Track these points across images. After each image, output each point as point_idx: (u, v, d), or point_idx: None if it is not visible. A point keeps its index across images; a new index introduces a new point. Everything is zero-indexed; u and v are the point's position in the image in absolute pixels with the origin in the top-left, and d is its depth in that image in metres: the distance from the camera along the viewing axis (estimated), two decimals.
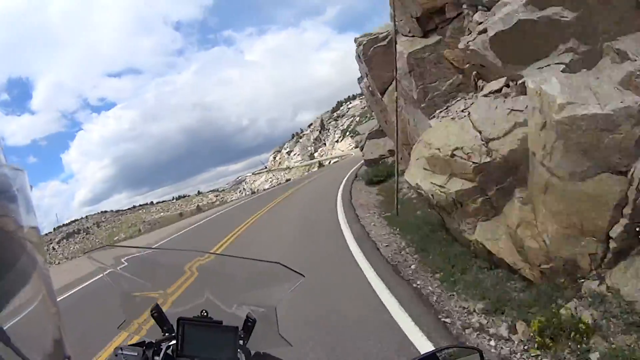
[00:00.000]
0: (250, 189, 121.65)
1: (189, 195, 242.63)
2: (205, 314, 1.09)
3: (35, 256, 0.47)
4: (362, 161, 26.78)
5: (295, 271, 1.07)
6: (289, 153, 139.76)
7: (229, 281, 1.28)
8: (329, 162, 66.28)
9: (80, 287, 8.27)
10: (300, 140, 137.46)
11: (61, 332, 0.53)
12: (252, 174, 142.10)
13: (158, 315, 1.14)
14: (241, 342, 1.07)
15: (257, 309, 1.13)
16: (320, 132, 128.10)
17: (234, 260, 1.26)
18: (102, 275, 1.20)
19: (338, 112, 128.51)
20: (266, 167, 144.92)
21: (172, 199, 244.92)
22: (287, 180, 69.11)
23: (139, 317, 1.22)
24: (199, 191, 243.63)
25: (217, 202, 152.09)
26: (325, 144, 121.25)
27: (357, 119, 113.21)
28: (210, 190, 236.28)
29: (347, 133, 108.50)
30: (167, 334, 1.13)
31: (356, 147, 79.46)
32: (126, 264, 1.22)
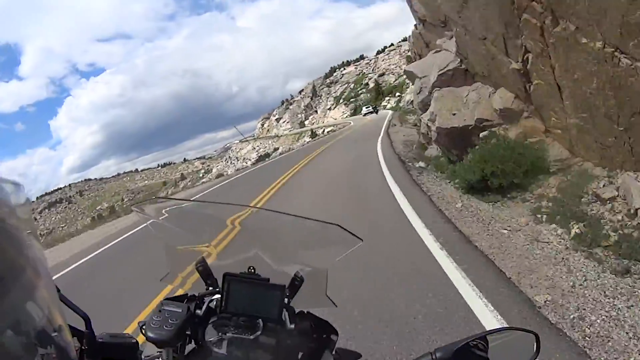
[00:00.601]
0: (236, 157, 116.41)
1: (174, 163, 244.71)
2: (252, 270, 1.05)
3: (38, 269, 0.48)
4: (380, 132, 22.75)
5: (354, 235, 1.04)
6: (277, 120, 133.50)
7: (280, 238, 1.23)
8: (323, 131, 60.54)
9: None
10: (290, 107, 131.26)
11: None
12: (239, 141, 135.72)
13: (203, 269, 1.12)
14: (286, 300, 1.04)
15: (306, 268, 1.10)
16: (311, 98, 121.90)
17: (285, 217, 1.19)
18: (146, 224, 1.18)
19: (331, 78, 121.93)
20: (253, 136, 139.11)
21: (157, 166, 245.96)
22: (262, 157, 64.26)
23: (183, 269, 1.19)
24: (185, 158, 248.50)
25: (203, 170, 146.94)
26: (316, 111, 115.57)
27: (352, 85, 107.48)
28: (197, 158, 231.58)
29: (341, 100, 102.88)
30: (210, 289, 1.09)
31: (352, 114, 75.22)
32: (169, 215, 1.18)
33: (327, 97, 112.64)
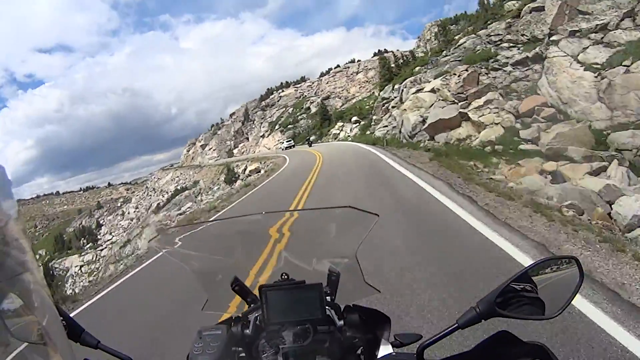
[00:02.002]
0: (154, 188, 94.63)
1: (98, 187, 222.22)
2: (285, 277, 1.04)
3: (24, 249, 0.48)
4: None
5: (369, 212, 1.05)
6: (203, 147, 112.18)
7: (303, 237, 1.24)
8: (245, 170, 41.14)
9: None
10: (219, 132, 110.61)
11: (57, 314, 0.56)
12: (162, 169, 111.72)
13: (239, 288, 1.13)
14: (329, 298, 1.04)
15: (338, 261, 1.11)
16: (243, 123, 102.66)
17: (302, 214, 1.27)
18: (175, 259, 1.15)
19: (267, 100, 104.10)
20: (180, 163, 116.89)
21: (80, 190, 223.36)
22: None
23: (220, 294, 1.18)
24: (109, 183, 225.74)
25: (121, 200, 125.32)
26: (247, 138, 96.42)
27: (291, 110, 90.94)
28: (122, 183, 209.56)
29: (277, 126, 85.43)
30: (252, 305, 1.10)
31: (288, 147, 58.24)
32: (189, 243, 1.18)
33: (261, 122, 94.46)
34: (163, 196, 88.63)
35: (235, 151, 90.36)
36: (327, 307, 0.99)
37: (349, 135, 39.90)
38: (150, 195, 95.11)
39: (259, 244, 1.28)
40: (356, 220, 1.09)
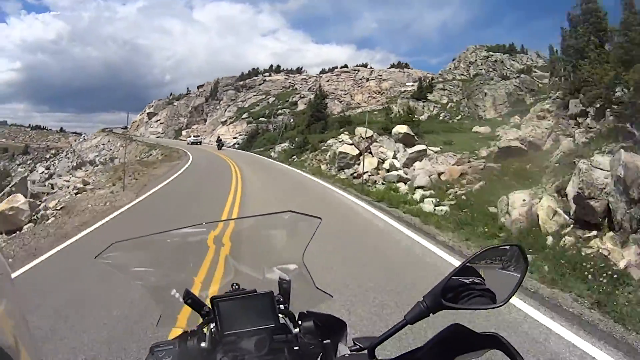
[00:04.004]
0: (74, 150, 69.37)
1: (50, 129, 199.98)
2: (236, 287, 1.03)
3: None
4: None
5: (310, 215, 1.05)
6: (150, 116, 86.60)
7: (249, 246, 1.25)
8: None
9: None
10: (175, 104, 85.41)
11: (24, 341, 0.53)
12: (102, 130, 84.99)
13: (192, 301, 1.08)
14: (282, 306, 1.03)
15: (286, 268, 1.10)
16: (207, 100, 78.13)
17: (246, 222, 1.21)
18: (123, 276, 1.12)
19: (247, 81, 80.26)
20: (116, 129, 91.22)
21: (28, 126, 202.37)
22: None
23: (173, 308, 1.13)
24: (61, 128, 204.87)
25: (54, 151, 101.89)
26: (205, 120, 72.24)
27: (271, 99, 67.83)
28: (75, 133, 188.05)
29: (245, 115, 61.86)
30: (206, 318, 1.06)
31: (247, 142, 37.08)
32: (141, 257, 1.12)
33: (229, 105, 70.40)
34: (73, 163, 64.70)
35: (184, 133, 66.18)
36: (281, 315, 0.98)
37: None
38: (69, 158, 70.33)
39: (204, 255, 1.23)
40: (299, 224, 1.09)
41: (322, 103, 39.18)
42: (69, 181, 19.19)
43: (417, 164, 14.75)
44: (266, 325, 0.94)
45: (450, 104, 45.54)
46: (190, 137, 55.64)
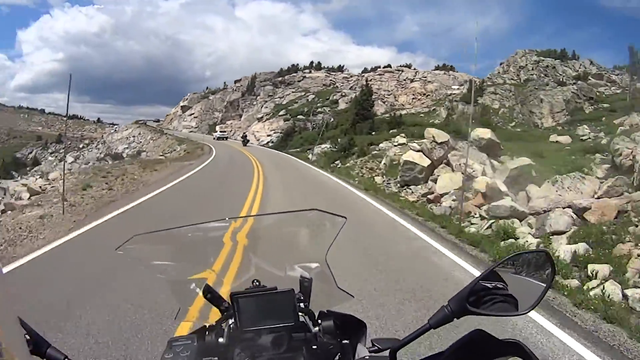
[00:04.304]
0: (105, 141, 68.91)
1: (85, 119, 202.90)
2: (257, 283, 1.01)
3: None
4: None
5: (335, 214, 1.05)
6: (183, 110, 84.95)
7: (272, 243, 1.23)
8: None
9: None
10: (211, 98, 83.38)
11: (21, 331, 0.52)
12: (135, 122, 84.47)
13: (212, 296, 1.08)
14: (302, 304, 1.02)
15: (308, 266, 1.10)
16: (243, 95, 75.48)
17: (270, 218, 1.20)
18: (145, 268, 1.11)
19: (287, 77, 77.04)
20: (149, 121, 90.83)
21: (63, 116, 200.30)
22: None
23: (192, 302, 1.13)
24: (98, 119, 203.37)
25: (87, 141, 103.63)
26: (240, 115, 69.46)
27: (311, 97, 64.18)
28: (111, 123, 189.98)
29: (283, 112, 58.52)
30: (225, 313, 1.06)
31: (283, 139, 32.24)
32: (161, 250, 1.13)
33: (265, 101, 67.38)
34: (101, 155, 63.82)
35: (217, 128, 63.89)
36: (301, 314, 0.97)
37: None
38: (98, 149, 69.94)
39: (225, 251, 1.23)
40: (323, 223, 1.08)
41: (369, 100, 34.99)
42: (25, 185, 14.95)
43: (532, 190, 10.23)
44: (286, 323, 0.92)
45: (502, 109, 40.53)
46: (217, 132, 55.66)
